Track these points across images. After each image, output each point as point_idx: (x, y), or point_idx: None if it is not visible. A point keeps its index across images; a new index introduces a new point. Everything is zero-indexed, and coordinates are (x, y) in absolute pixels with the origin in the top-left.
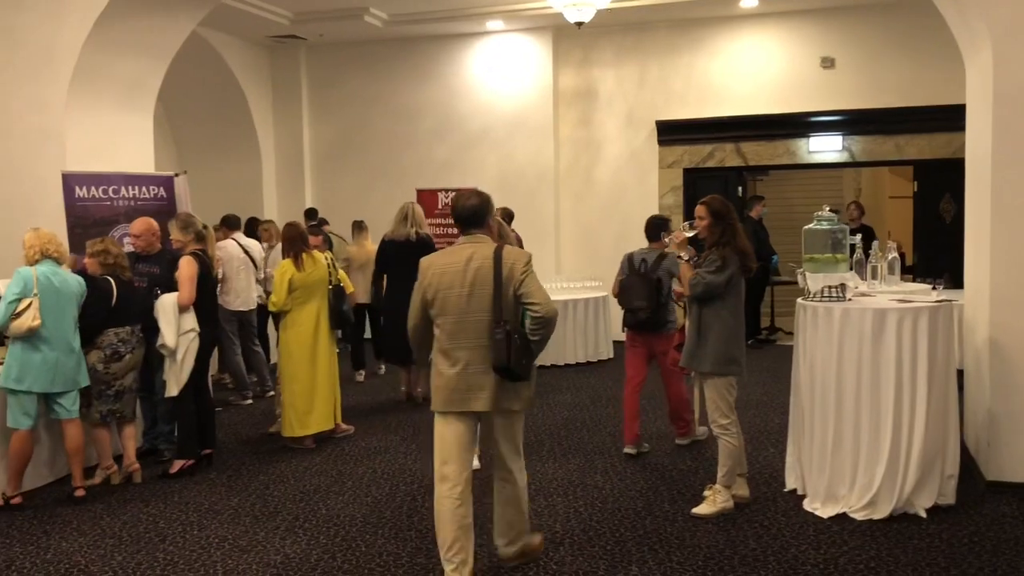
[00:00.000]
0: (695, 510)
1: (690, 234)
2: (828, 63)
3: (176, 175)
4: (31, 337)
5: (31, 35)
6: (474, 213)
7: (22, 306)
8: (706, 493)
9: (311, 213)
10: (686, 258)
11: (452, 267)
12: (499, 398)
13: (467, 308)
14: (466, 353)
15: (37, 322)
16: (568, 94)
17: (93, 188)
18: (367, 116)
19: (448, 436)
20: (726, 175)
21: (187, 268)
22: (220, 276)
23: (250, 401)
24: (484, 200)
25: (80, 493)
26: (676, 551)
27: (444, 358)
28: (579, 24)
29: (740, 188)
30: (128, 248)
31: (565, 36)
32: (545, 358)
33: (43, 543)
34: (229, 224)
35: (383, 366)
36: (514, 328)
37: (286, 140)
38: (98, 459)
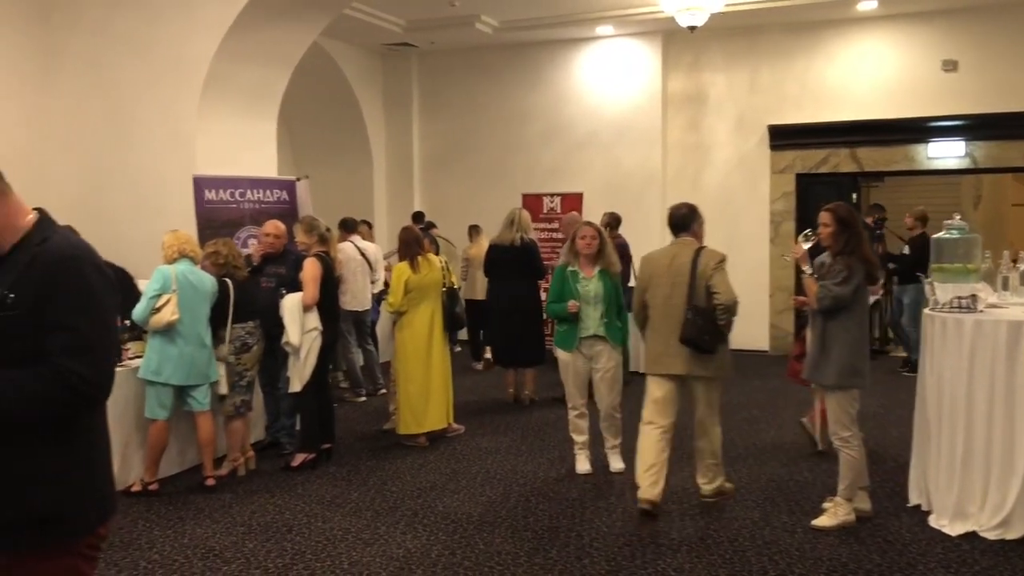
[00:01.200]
0: (815, 522)
1: (807, 245)
2: (950, 66)
3: (298, 179)
4: (169, 332)
5: (165, 47)
6: (682, 219)
7: (161, 302)
8: (826, 505)
9: (418, 216)
10: (808, 272)
11: (661, 263)
12: (691, 366)
13: (670, 295)
14: (667, 329)
15: (175, 317)
16: (677, 98)
17: (221, 191)
18: (475, 121)
19: (655, 392)
20: (840, 181)
21: (311, 269)
22: (339, 277)
23: (364, 398)
24: (692, 210)
25: (211, 482)
26: (797, 563)
27: (653, 332)
28: (692, 28)
29: (854, 195)
30: (247, 249)
31: (675, 40)
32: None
33: (179, 528)
34: (346, 227)
35: (482, 363)
36: (700, 311)
37: (396, 145)
38: (227, 450)
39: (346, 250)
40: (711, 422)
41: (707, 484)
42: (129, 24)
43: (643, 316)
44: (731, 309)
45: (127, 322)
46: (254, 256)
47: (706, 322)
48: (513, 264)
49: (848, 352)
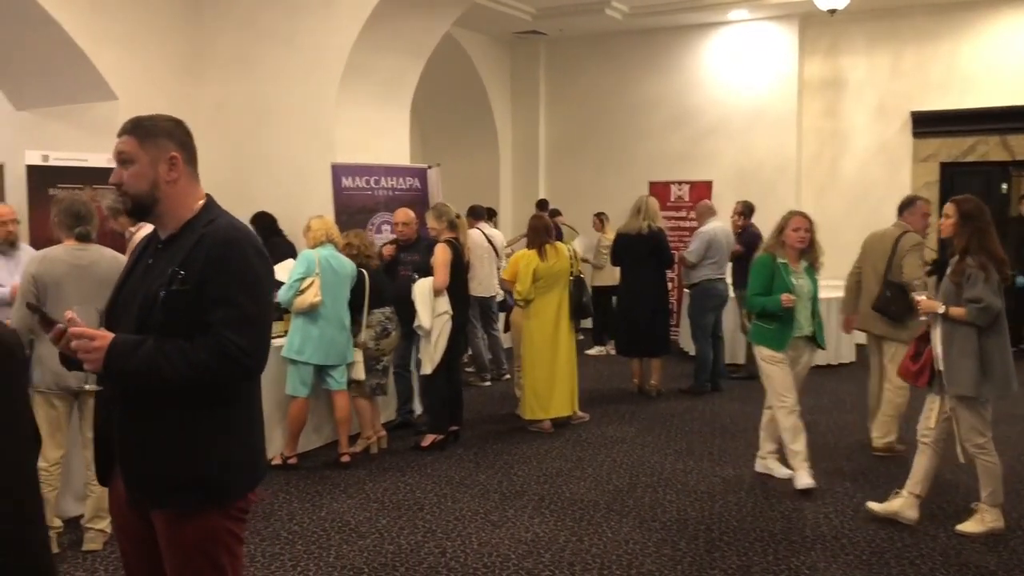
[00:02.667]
0: (961, 527)
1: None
2: None
3: (430, 167)
4: (311, 313)
5: (306, 39)
6: (900, 207)
7: (305, 284)
8: (973, 506)
9: (542, 204)
10: (941, 310)
11: (873, 244)
12: (886, 329)
13: (872, 273)
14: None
15: (318, 299)
16: (813, 84)
17: (358, 179)
18: (602, 108)
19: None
20: (988, 170)
21: (442, 254)
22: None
23: (488, 383)
24: (909, 200)
25: (346, 459)
26: (941, 568)
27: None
28: (832, 11)
29: (1004, 185)
30: (382, 236)
31: (813, 23)
32: None
33: (317, 501)
34: (475, 214)
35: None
36: (892, 285)
37: (523, 133)
38: (360, 429)
39: (473, 237)
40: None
41: (879, 438)
42: (273, 18)
43: (855, 283)
44: (910, 287)
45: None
46: (386, 252)
47: (895, 294)
48: (640, 252)
49: (985, 358)
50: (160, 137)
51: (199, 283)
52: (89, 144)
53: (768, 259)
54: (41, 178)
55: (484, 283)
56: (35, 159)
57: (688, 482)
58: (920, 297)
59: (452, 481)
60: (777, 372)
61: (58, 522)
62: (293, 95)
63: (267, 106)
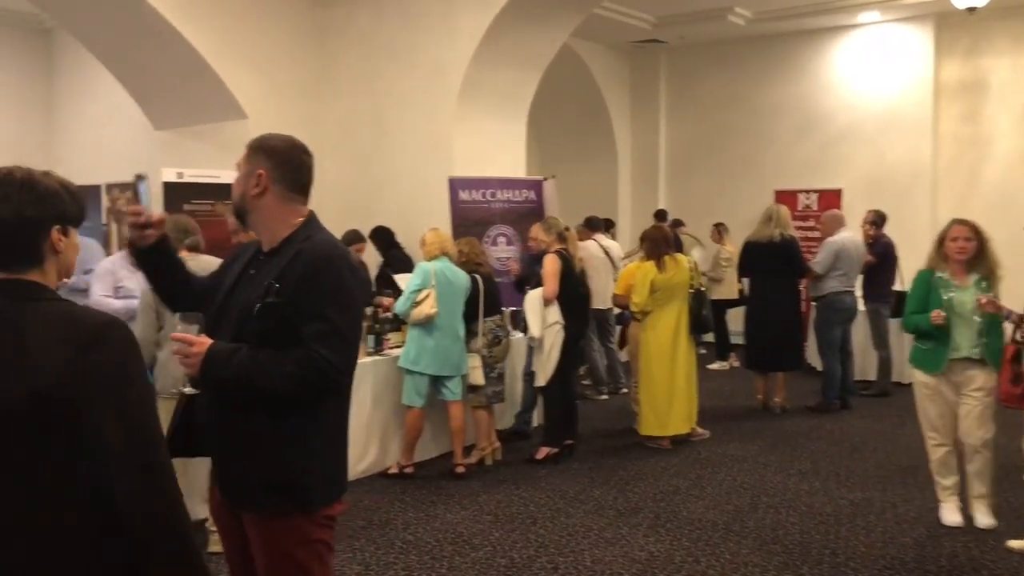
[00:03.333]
0: None
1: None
2: None
3: (545, 179)
4: (427, 324)
5: (425, 54)
6: None
7: (422, 296)
8: None
9: (661, 215)
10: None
11: None
12: None
13: None
14: None
15: (434, 310)
16: (951, 87)
17: (474, 192)
18: (724, 116)
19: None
20: None
21: (551, 264)
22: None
23: (605, 396)
24: None
25: (460, 470)
26: None
27: None
28: (971, 10)
29: None
30: (497, 249)
31: (950, 24)
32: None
33: (431, 512)
34: (591, 225)
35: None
36: None
37: (642, 143)
38: (476, 440)
39: (588, 248)
40: None
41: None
42: (393, 35)
43: None
44: None
45: (389, 314)
46: (512, 269)
47: None
48: (771, 262)
49: None
50: (259, 153)
51: (293, 297)
52: (220, 161)
53: (926, 274)
54: (176, 194)
55: (600, 295)
56: (171, 176)
57: (813, 504)
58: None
59: (566, 495)
60: (928, 405)
61: None
62: (412, 110)
63: (387, 122)
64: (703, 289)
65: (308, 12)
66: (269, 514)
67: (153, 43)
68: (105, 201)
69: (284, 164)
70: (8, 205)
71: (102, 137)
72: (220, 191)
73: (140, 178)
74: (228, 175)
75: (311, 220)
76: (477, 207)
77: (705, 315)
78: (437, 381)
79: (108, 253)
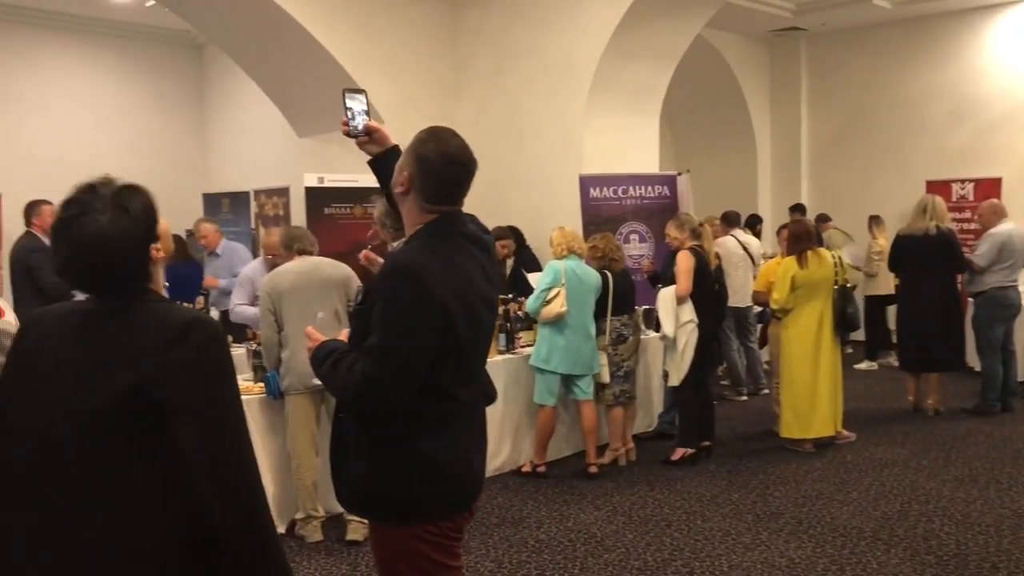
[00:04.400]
0: None
1: None
2: None
3: (679, 174)
4: (557, 323)
5: (555, 51)
6: None
7: (552, 294)
8: None
9: (798, 209)
10: None
11: None
12: None
13: None
14: None
15: (564, 309)
16: None
17: (605, 189)
18: (870, 104)
19: None
20: None
21: (684, 261)
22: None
23: (745, 397)
24: None
25: (593, 470)
26: None
27: None
28: None
29: None
30: (629, 246)
31: None
32: None
33: (564, 511)
34: (728, 220)
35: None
36: None
37: (782, 134)
38: (609, 439)
39: (726, 244)
40: None
41: None
42: (524, 34)
43: None
44: None
45: (520, 312)
46: (644, 267)
47: None
48: (927, 256)
49: None
50: (411, 154)
51: (373, 304)
52: (360, 166)
53: None
54: (317, 198)
55: (739, 293)
56: (312, 181)
57: (970, 513)
58: None
59: (702, 498)
60: None
61: (321, 511)
62: (543, 108)
63: (518, 120)
64: (849, 285)
65: (441, 15)
66: (371, 520)
67: (295, 54)
68: (253, 206)
69: (427, 176)
70: (129, 216)
71: (250, 145)
72: (359, 195)
73: (348, 91)
74: (366, 179)
75: (432, 222)
76: (608, 204)
77: (851, 313)
78: (568, 380)
79: (255, 256)
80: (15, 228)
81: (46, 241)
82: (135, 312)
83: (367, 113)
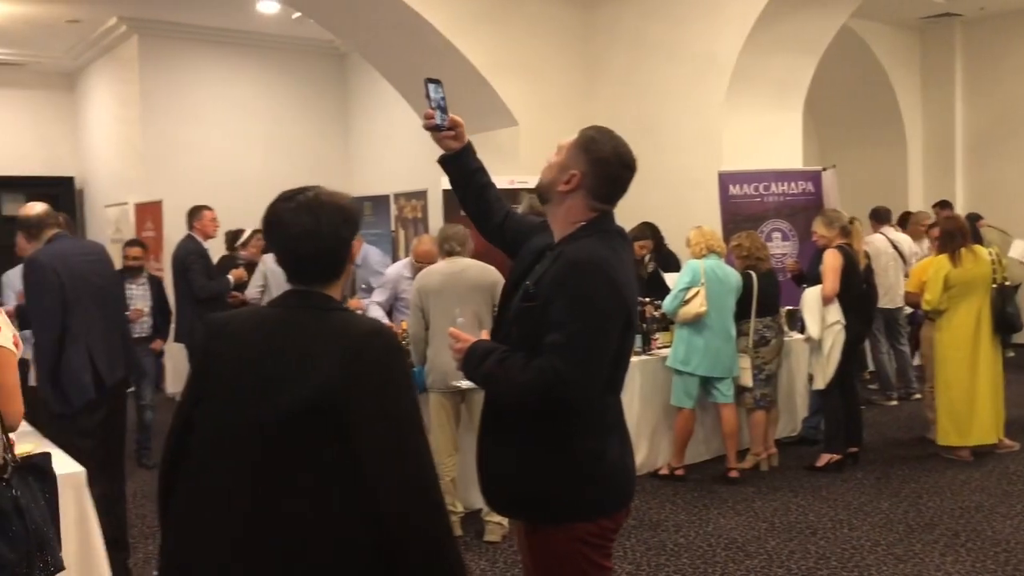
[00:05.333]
0: None
1: None
2: None
3: (824, 169)
4: (696, 324)
5: (692, 46)
6: None
7: (690, 294)
8: None
9: (943, 205)
10: None
11: None
12: None
13: None
14: None
15: (703, 309)
16: None
17: (745, 186)
18: None
19: None
20: None
21: (831, 260)
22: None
23: (895, 402)
24: None
25: (734, 474)
26: None
27: None
28: None
29: None
30: (772, 244)
31: None
32: None
33: (703, 516)
34: (879, 217)
35: None
36: None
37: (934, 127)
38: (750, 444)
39: (875, 243)
40: None
41: None
42: (660, 31)
43: None
44: None
45: (656, 313)
46: (788, 266)
47: None
48: None
49: None
50: (583, 154)
51: (545, 302)
52: (495, 168)
53: None
54: (454, 201)
55: (889, 293)
56: (448, 184)
57: None
58: None
59: (850, 507)
60: None
61: (460, 507)
62: (679, 105)
63: (654, 118)
64: (1009, 284)
65: (574, 16)
66: (527, 521)
67: (432, 59)
68: (393, 209)
69: (602, 177)
70: (327, 226)
71: (390, 150)
72: None
73: (430, 81)
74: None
75: (591, 223)
76: (749, 202)
77: (1010, 313)
78: (707, 382)
79: (396, 259)
80: (174, 231)
81: (205, 245)
82: (320, 321)
83: (446, 105)
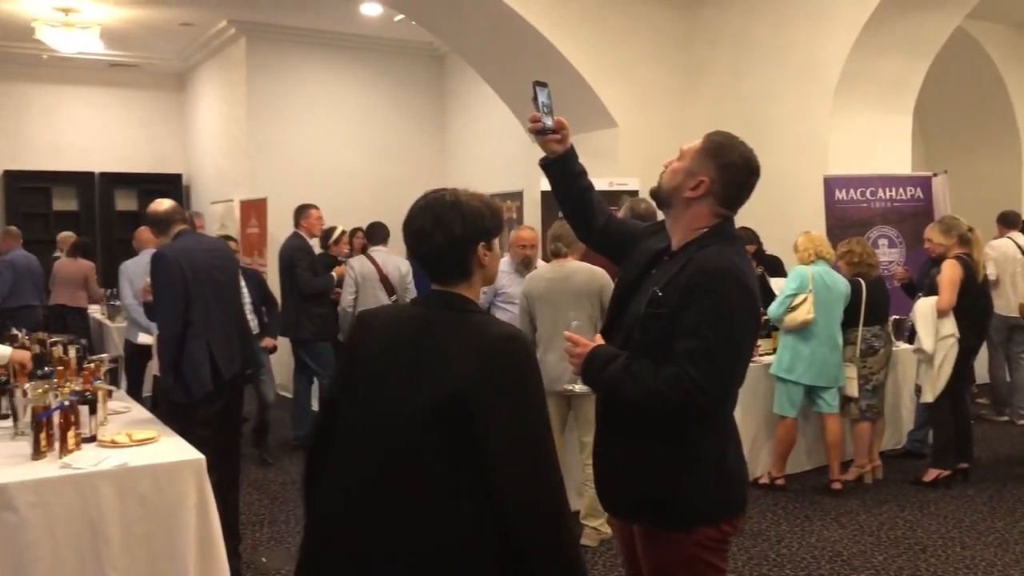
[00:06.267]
0: None
1: None
2: None
3: (935, 175)
4: (802, 331)
5: (798, 51)
6: None
7: (797, 301)
8: None
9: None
10: None
11: None
12: None
13: None
14: None
15: (811, 316)
16: None
17: (852, 191)
18: None
19: None
20: None
21: (950, 272)
22: (994, 279)
23: (1006, 418)
24: None
25: (837, 486)
26: None
27: None
28: None
29: None
30: (879, 251)
31: None
32: None
33: (806, 527)
34: (1007, 222)
35: None
36: None
37: None
38: (854, 455)
39: (1003, 248)
40: None
41: None
42: (764, 33)
43: None
44: None
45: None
46: (897, 274)
47: None
48: None
49: None
50: (711, 160)
51: (675, 309)
52: (593, 169)
53: None
54: (552, 202)
55: (1012, 302)
56: (547, 185)
57: None
58: None
59: (961, 524)
60: None
61: None
62: (783, 108)
63: (755, 122)
64: None
65: (676, 17)
66: (646, 526)
67: (532, 61)
68: None
69: (730, 183)
70: (440, 226)
71: (486, 151)
72: None
73: (538, 84)
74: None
75: (716, 228)
76: (855, 207)
77: None
78: (812, 391)
79: None
80: (278, 229)
81: (311, 242)
82: (458, 324)
83: (552, 109)
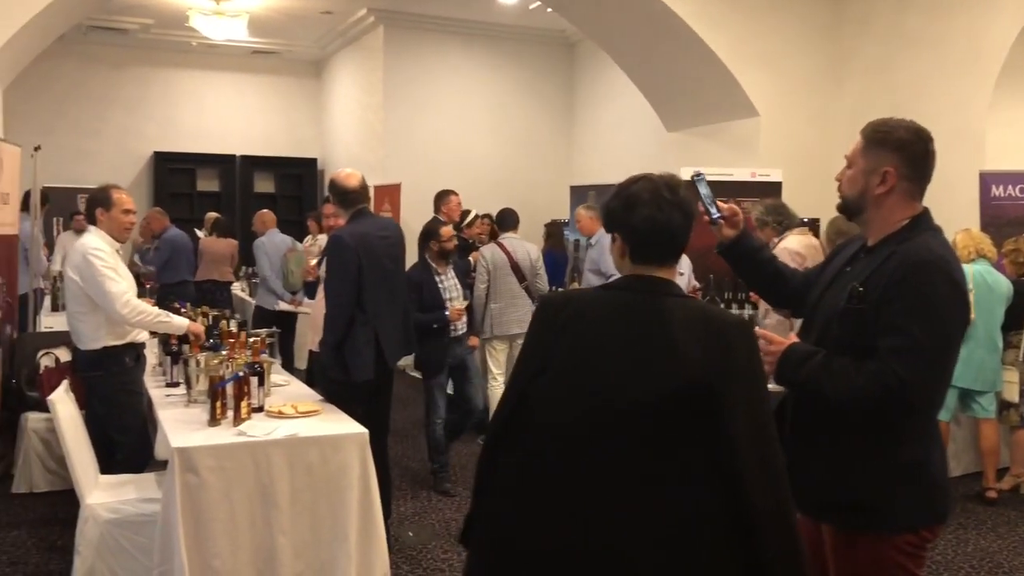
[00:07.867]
0: None
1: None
2: None
3: None
4: None
5: (955, 39)
6: None
7: None
8: None
9: None
10: None
11: None
12: None
13: None
14: None
15: (971, 316)
16: None
17: (1010, 187)
18: None
19: None
20: None
21: None
22: None
23: None
24: None
25: (992, 495)
26: None
27: None
28: None
29: None
30: None
31: None
32: None
33: (961, 535)
34: None
35: None
36: None
37: None
38: (1011, 463)
39: None
40: None
41: None
42: (918, 22)
43: None
44: None
45: None
46: None
47: None
48: None
49: None
50: (883, 147)
51: (878, 303)
52: (732, 160)
53: None
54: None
55: None
56: (687, 175)
57: None
58: None
59: None
60: None
61: None
62: (935, 101)
63: (907, 113)
64: None
65: (822, 6)
66: (844, 531)
67: (672, 48)
68: None
69: (912, 159)
70: (681, 209)
71: (615, 139)
72: (732, 189)
73: (698, 175)
74: (740, 173)
75: (918, 219)
76: (1014, 204)
77: None
78: (967, 395)
79: None
80: (409, 214)
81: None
82: (673, 309)
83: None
